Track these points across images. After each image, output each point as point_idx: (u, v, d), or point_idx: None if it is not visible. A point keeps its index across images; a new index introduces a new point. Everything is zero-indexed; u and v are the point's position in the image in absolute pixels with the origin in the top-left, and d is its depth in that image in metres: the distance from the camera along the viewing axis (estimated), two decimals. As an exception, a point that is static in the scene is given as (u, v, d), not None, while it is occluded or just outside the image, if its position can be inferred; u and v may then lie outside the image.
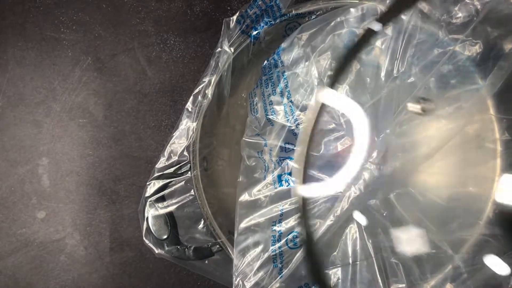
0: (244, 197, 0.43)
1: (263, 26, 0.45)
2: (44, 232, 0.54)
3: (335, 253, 0.41)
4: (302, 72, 0.44)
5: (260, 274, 0.41)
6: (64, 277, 0.53)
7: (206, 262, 0.44)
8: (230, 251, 0.42)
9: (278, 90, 0.44)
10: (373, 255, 0.40)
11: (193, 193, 0.44)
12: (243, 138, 0.44)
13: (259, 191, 0.43)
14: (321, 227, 0.40)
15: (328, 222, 0.40)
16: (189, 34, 0.54)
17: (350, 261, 0.41)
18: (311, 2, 0.46)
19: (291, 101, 0.43)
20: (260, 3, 0.44)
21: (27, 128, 0.55)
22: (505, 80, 0.39)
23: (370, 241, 0.41)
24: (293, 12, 0.46)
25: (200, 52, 0.54)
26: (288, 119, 0.43)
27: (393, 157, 0.42)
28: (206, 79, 0.45)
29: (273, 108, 0.42)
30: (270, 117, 0.42)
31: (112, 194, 0.54)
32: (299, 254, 0.40)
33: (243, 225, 0.42)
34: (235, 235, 0.42)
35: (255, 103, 0.45)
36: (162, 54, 0.54)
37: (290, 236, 0.42)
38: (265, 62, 0.45)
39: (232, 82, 0.46)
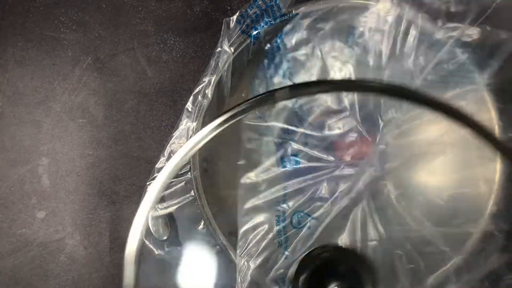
0: (246, 179, 0.43)
1: (263, 26, 0.45)
2: (44, 232, 0.54)
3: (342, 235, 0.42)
4: (306, 54, 0.44)
5: (265, 254, 0.42)
6: (64, 277, 0.53)
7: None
8: (231, 253, 0.43)
9: (280, 72, 0.44)
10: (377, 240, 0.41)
11: (193, 194, 0.44)
12: (243, 121, 0.44)
13: (262, 173, 0.44)
14: (327, 208, 0.41)
15: (335, 203, 0.40)
16: (189, 34, 0.54)
17: (358, 244, 0.42)
18: (311, 2, 0.46)
19: (293, 83, 0.43)
20: (260, 3, 0.44)
21: (27, 128, 0.55)
22: (506, 78, 0.40)
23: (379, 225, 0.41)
24: (294, 12, 0.46)
25: (200, 52, 0.54)
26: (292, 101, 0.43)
27: (394, 157, 0.43)
28: (206, 79, 0.45)
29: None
30: None
31: (112, 194, 0.54)
32: (304, 233, 0.41)
33: (247, 206, 0.42)
34: (239, 217, 0.42)
35: (257, 84, 0.45)
36: (162, 54, 0.54)
37: (294, 217, 0.42)
38: (268, 45, 0.45)
39: (232, 82, 0.46)
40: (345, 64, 0.45)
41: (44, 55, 0.55)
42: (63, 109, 0.54)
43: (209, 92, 0.45)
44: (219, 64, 0.44)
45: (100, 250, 0.53)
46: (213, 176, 0.47)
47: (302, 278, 0.34)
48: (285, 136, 0.44)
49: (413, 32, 0.41)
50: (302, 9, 0.45)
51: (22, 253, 0.54)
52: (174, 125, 0.54)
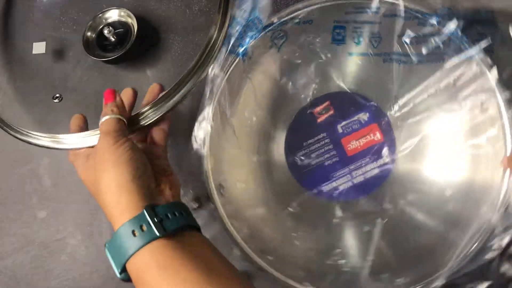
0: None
1: (248, 42, 0.45)
2: (45, 232, 0.54)
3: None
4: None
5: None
6: (65, 276, 0.53)
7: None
8: (269, 272, 0.43)
9: None
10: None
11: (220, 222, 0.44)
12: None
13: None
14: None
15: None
16: (188, 33, 0.54)
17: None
18: (290, 7, 0.46)
19: None
20: (239, 19, 0.44)
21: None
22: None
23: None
24: (276, 21, 0.46)
25: (198, 51, 0.54)
26: None
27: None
28: (205, 108, 0.45)
29: None
30: None
31: (113, 194, 0.54)
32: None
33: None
34: None
35: None
36: (161, 53, 0.54)
37: None
38: None
39: (232, 103, 0.47)
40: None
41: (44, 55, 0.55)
42: (64, 108, 0.54)
43: (210, 118, 0.45)
44: (214, 89, 0.45)
45: (101, 249, 0.52)
46: (235, 199, 0.47)
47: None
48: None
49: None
50: (284, 17, 0.46)
51: (23, 253, 0.54)
52: (174, 125, 0.54)
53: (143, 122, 0.43)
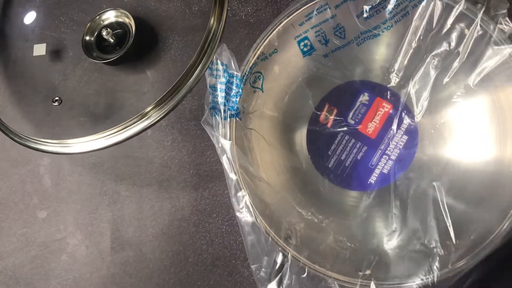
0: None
1: (236, 101, 0.45)
2: (45, 231, 0.54)
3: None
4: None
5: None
6: (65, 276, 0.53)
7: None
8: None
9: None
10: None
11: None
12: None
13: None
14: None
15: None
16: (188, 33, 0.54)
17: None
18: (252, 49, 0.46)
19: None
20: (218, 86, 0.45)
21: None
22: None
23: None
24: (246, 68, 0.46)
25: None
26: None
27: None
28: (232, 180, 0.44)
29: None
30: None
31: (114, 194, 0.54)
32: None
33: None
34: None
35: None
36: (161, 53, 0.54)
37: None
38: None
39: (251, 159, 0.47)
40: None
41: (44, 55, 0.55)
42: (64, 108, 0.55)
43: (242, 186, 0.44)
44: (229, 160, 0.44)
45: (101, 249, 0.53)
46: (306, 242, 0.45)
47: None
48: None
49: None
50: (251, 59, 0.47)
51: (23, 253, 0.54)
52: (173, 125, 0.55)
53: (147, 122, 0.43)
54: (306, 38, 0.48)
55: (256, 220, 0.43)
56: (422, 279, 0.39)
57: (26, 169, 0.56)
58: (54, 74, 0.55)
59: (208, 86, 0.45)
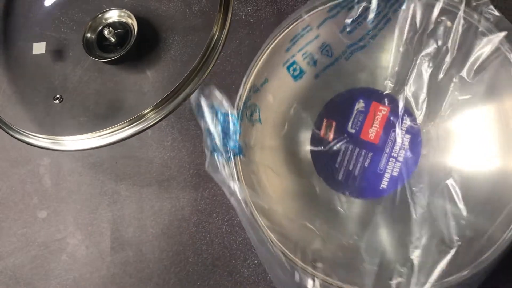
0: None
1: (236, 139, 0.45)
2: (45, 231, 0.54)
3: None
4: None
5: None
6: (65, 276, 0.53)
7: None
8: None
9: None
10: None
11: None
12: None
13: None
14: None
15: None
16: (188, 33, 0.54)
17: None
18: (242, 83, 0.46)
19: None
20: (213, 129, 0.44)
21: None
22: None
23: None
24: (241, 103, 0.46)
25: (198, 51, 0.53)
26: None
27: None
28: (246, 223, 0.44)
29: None
30: None
31: (114, 194, 0.54)
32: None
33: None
34: None
35: None
36: (161, 53, 0.54)
37: None
38: None
39: (261, 193, 0.46)
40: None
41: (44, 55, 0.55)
42: (64, 108, 0.55)
43: (259, 219, 0.44)
44: (241, 201, 0.44)
45: (101, 249, 0.53)
46: (329, 262, 0.45)
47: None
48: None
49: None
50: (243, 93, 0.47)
51: (23, 253, 0.54)
52: (173, 125, 0.55)
53: (145, 124, 0.43)
54: (294, 62, 0.48)
55: (283, 257, 0.42)
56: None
57: (26, 169, 0.56)
58: (55, 73, 0.55)
59: (203, 129, 0.45)
